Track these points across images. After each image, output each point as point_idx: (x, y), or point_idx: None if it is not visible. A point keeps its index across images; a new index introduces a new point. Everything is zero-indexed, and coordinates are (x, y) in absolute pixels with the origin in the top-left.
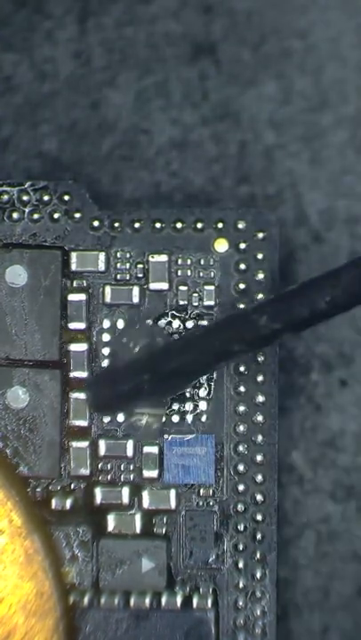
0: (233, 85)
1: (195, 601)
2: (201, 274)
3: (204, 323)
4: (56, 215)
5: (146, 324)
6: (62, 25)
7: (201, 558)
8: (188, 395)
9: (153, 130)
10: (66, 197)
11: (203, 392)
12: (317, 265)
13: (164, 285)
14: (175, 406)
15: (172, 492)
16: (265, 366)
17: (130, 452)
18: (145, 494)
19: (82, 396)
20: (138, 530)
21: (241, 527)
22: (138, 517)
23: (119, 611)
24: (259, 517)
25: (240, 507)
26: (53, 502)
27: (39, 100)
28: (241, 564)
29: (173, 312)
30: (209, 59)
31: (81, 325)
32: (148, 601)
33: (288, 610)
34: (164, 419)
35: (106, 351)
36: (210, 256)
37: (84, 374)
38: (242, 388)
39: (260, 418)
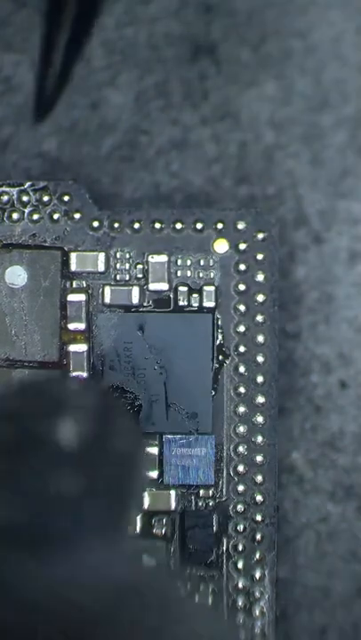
0: (233, 85)
1: None
2: (201, 274)
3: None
4: (56, 216)
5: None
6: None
7: (201, 558)
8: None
9: (153, 130)
10: (66, 198)
11: None
12: (317, 265)
13: (164, 286)
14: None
15: (172, 493)
16: (265, 367)
17: None
18: (145, 495)
19: None
20: (138, 530)
21: (241, 528)
22: (138, 518)
23: None
24: (258, 518)
25: (240, 507)
26: None
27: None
28: (240, 565)
29: None
30: (209, 59)
31: (81, 326)
32: None
33: (288, 610)
34: None
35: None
36: (210, 257)
37: (83, 375)
38: (242, 389)
39: (259, 419)
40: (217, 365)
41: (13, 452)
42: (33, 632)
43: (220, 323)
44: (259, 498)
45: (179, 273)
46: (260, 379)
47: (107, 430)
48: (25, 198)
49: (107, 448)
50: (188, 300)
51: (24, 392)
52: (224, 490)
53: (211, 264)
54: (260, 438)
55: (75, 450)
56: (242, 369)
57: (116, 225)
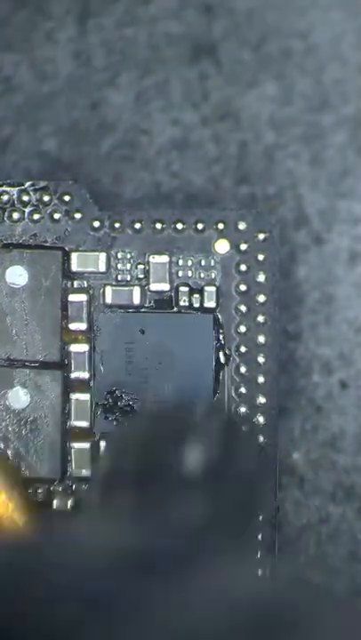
0: (233, 85)
1: None
2: (202, 275)
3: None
4: (56, 215)
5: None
6: (63, 25)
7: None
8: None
9: (153, 130)
10: (66, 198)
11: None
12: (318, 266)
13: (165, 286)
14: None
15: None
16: (266, 367)
17: None
18: None
19: (83, 396)
20: None
21: None
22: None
23: None
24: (259, 518)
25: None
26: (55, 503)
27: (39, 101)
28: None
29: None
30: (209, 59)
31: (82, 326)
32: None
33: None
34: None
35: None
36: (211, 257)
37: (85, 375)
38: (243, 390)
39: (260, 419)
40: (218, 366)
41: (140, 482)
42: None
43: (221, 323)
44: None
45: (180, 273)
46: (260, 379)
47: (232, 455)
48: (25, 198)
49: (232, 473)
50: (190, 301)
51: (150, 422)
52: None
53: (212, 264)
54: (260, 439)
55: (200, 476)
56: (243, 369)
57: (117, 225)
